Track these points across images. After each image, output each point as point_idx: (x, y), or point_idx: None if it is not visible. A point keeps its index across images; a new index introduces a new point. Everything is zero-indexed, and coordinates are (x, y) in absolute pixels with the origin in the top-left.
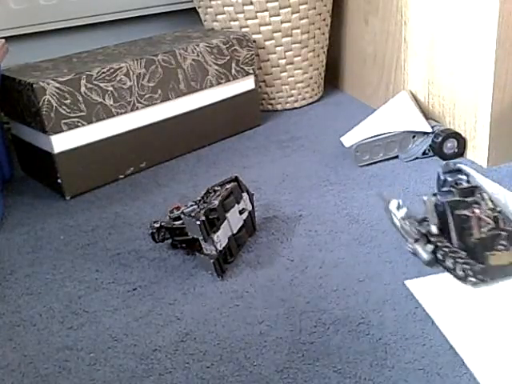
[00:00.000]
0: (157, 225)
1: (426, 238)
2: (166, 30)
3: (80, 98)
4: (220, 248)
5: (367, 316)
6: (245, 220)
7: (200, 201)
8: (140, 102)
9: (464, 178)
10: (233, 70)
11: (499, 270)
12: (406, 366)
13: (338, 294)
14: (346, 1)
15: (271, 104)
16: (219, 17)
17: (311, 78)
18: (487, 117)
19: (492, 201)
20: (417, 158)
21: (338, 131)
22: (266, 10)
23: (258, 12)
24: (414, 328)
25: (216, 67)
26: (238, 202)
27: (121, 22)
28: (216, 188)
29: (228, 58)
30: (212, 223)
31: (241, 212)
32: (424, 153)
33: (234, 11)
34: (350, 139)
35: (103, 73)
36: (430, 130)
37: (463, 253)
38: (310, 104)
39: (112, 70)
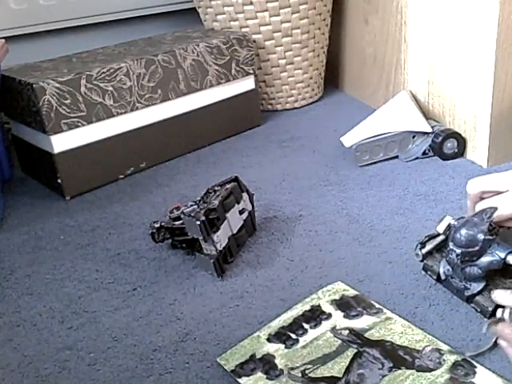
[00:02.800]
0: (157, 225)
1: None
2: (166, 30)
3: (80, 98)
4: (220, 248)
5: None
6: (245, 220)
7: (200, 201)
8: (140, 102)
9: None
10: (233, 70)
11: None
12: None
13: None
14: (346, 1)
15: (271, 104)
16: (219, 17)
17: (311, 78)
18: (487, 117)
19: None
20: (417, 158)
21: (338, 131)
22: (266, 10)
23: (258, 12)
24: None
25: (216, 67)
26: (238, 202)
27: (121, 22)
28: (216, 188)
29: (228, 58)
30: (212, 223)
31: (241, 212)
32: (424, 153)
33: (234, 11)
34: (350, 139)
35: (103, 73)
36: (429, 129)
37: None
38: (310, 104)
39: (112, 70)
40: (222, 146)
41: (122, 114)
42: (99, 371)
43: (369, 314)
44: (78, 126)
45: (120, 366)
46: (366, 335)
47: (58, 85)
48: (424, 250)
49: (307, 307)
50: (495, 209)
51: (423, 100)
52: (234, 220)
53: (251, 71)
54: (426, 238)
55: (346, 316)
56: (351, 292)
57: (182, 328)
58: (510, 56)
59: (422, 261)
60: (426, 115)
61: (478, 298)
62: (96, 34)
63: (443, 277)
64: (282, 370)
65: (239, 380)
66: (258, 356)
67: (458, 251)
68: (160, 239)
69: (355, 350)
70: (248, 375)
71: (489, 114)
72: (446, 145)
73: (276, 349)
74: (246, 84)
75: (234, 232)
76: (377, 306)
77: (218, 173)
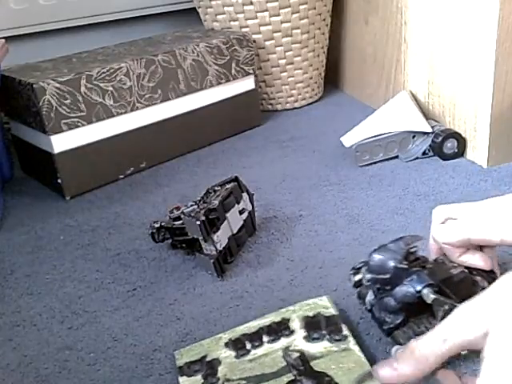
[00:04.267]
0: (157, 225)
1: None
2: (166, 30)
3: (80, 98)
4: (220, 248)
5: (367, 316)
6: (245, 220)
7: (200, 201)
8: (140, 102)
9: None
10: (233, 70)
11: None
12: None
13: (337, 294)
14: (346, 1)
15: (271, 104)
16: (219, 17)
17: (311, 78)
18: (487, 117)
19: None
20: (417, 158)
21: (337, 131)
22: (266, 10)
23: (257, 12)
24: None
25: (216, 67)
26: (238, 202)
27: (121, 22)
28: (216, 188)
29: (228, 58)
30: (212, 223)
31: (241, 212)
32: (424, 153)
33: (233, 11)
34: (350, 139)
35: (103, 73)
36: (429, 129)
37: None
38: (310, 104)
39: (112, 70)
40: (221, 146)
41: (121, 114)
42: (99, 371)
43: (329, 341)
44: (78, 126)
45: (120, 366)
46: (312, 363)
47: (58, 85)
48: (356, 277)
49: (278, 319)
50: (416, 237)
51: (423, 100)
52: (234, 220)
53: (251, 71)
54: (361, 264)
55: (307, 337)
56: (329, 311)
57: (182, 328)
58: (510, 56)
59: (354, 286)
60: (426, 115)
61: (396, 332)
62: (96, 34)
63: (368, 306)
64: (218, 379)
65: (179, 378)
66: (208, 359)
67: (369, 277)
68: (160, 239)
69: (292, 377)
70: (189, 375)
71: (489, 114)
72: (446, 145)
73: (226, 356)
74: (246, 84)
75: (234, 232)
76: (345, 332)
77: (218, 173)
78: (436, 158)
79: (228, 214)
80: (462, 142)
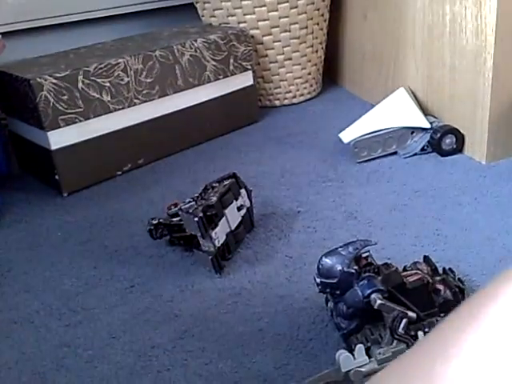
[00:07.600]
0: (155, 221)
1: None
2: (164, 26)
3: (77, 94)
4: (218, 244)
5: None
6: (243, 216)
7: (198, 197)
8: (137, 98)
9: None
10: (231, 66)
11: None
12: None
13: None
14: None
15: (269, 100)
16: (217, 12)
17: (309, 74)
18: (486, 113)
19: None
20: (415, 154)
21: (336, 127)
22: (264, 5)
23: (255, 7)
24: None
25: (214, 63)
26: (236, 199)
27: (118, 17)
28: (214, 184)
29: (226, 53)
30: (210, 220)
31: (239, 208)
32: (422, 149)
33: (231, 6)
34: (348, 135)
35: (100, 68)
36: (428, 125)
37: None
38: (309, 100)
39: (109, 66)
40: (219, 143)
41: (119, 109)
42: (97, 368)
43: None
44: (75, 122)
45: (118, 363)
46: None
47: (55, 81)
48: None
49: None
50: (368, 242)
51: (422, 96)
52: (232, 216)
53: (249, 67)
54: None
55: None
56: None
57: (180, 325)
58: (509, 52)
59: (321, 291)
60: (425, 111)
61: (351, 338)
62: (94, 30)
63: (329, 312)
64: None
65: None
66: None
67: (318, 281)
68: (158, 236)
69: None
70: None
71: (487, 109)
72: (444, 141)
73: None
74: (244, 80)
75: (233, 228)
76: None
77: (216, 169)
78: (434, 154)
79: (226, 211)
80: (460, 138)
